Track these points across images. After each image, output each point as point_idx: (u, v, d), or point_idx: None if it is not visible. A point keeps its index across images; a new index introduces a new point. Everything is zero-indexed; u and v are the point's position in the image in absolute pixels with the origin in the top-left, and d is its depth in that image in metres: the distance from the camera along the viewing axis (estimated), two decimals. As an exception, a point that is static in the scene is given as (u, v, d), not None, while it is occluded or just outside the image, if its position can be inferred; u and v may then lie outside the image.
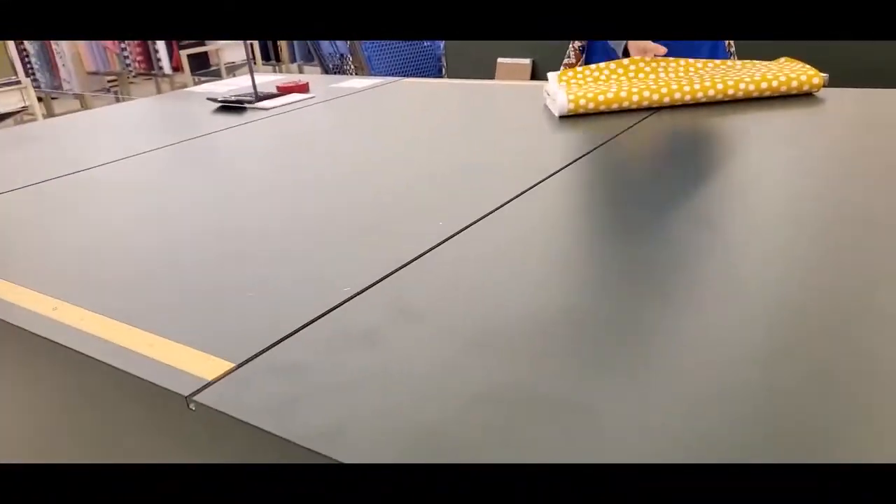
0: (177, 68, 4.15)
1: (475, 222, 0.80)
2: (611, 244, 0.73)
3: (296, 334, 0.59)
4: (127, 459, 0.63)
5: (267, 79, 1.97)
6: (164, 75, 4.32)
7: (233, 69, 4.49)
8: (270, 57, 4.82)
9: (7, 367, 0.72)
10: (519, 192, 0.88)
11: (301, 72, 5.12)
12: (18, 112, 3.41)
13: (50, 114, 3.86)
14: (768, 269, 0.64)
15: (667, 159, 1.02)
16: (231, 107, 1.62)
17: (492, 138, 1.19)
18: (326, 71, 3.27)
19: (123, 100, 4.63)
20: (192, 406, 0.51)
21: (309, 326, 0.60)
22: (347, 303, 0.63)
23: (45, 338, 0.62)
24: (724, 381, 0.48)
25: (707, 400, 0.47)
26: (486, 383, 0.50)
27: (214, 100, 1.66)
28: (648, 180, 0.92)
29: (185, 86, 4.07)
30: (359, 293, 0.65)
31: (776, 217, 0.76)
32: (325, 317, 0.61)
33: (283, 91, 1.73)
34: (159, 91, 4.68)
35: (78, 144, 1.39)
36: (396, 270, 0.69)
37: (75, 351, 0.59)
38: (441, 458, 0.43)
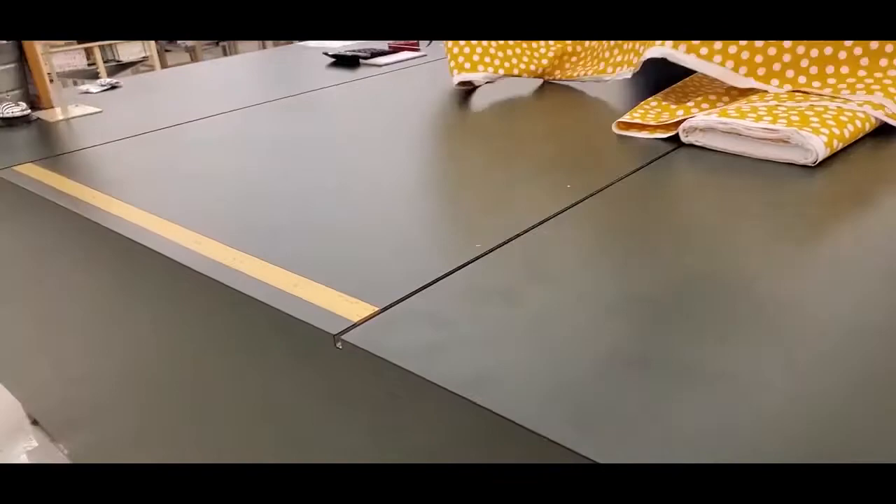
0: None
1: (604, 188, 0.78)
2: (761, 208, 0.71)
3: (434, 285, 0.60)
4: (269, 393, 0.67)
5: (378, 36, 1.98)
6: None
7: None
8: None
9: (154, 296, 0.77)
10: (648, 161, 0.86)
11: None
12: (138, 62, 3.59)
13: (163, 65, 4.04)
14: None
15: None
16: (344, 62, 1.64)
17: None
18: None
19: (230, 53, 4.79)
20: (339, 345, 0.53)
21: (446, 279, 0.61)
22: (480, 259, 0.64)
23: (190, 268, 0.66)
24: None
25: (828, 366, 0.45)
26: (623, 347, 0.50)
27: (327, 54, 1.69)
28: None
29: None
30: (490, 250, 0.65)
31: None
32: (460, 271, 0.62)
33: (394, 49, 1.75)
34: (264, 45, 4.81)
35: (202, 93, 1.45)
36: (525, 231, 0.69)
37: (219, 283, 0.63)
38: (580, 413, 0.43)
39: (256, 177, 0.91)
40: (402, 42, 1.76)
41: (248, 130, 1.13)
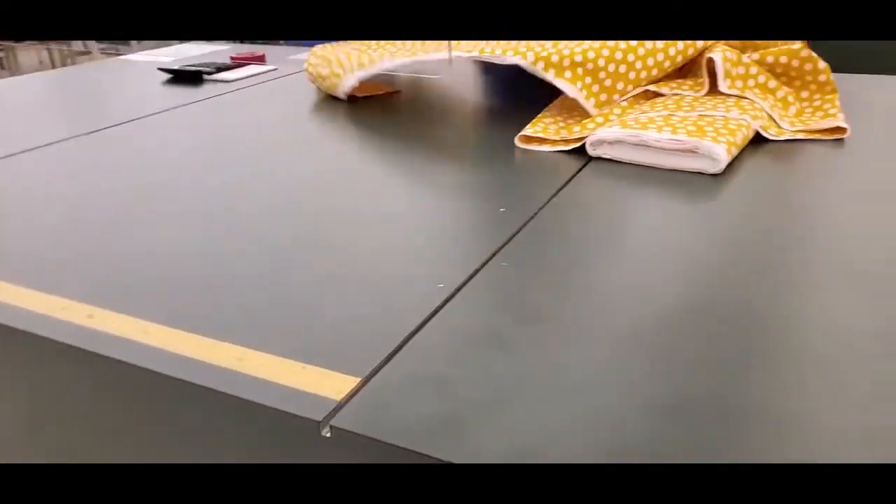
0: (79, 35, 3.75)
1: (540, 210, 0.75)
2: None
3: (412, 340, 0.52)
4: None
5: (215, 48, 1.81)
6: (63, 42, 3.90)
7: (144, 38, 4.10)
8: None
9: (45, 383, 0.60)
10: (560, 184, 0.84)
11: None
12: None
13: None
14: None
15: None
16: (184, 79, 1.46)
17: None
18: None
19: (9, 69, 4.18)
20: (326, 432, 0.43)
21: (422, 330, 0.53)
22: (450, 302, 0.57)
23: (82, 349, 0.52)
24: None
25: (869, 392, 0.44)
26: (659, 389, 0.45)
27: (167, 70, 1.50)
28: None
29: (88, 53, 3.71)
30: (457, 290, 0.58)
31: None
32: (434, 319, 0.54)
33: (238, 62, 1.59)
34: (51, 59, 4.24)
35: (5, 120, 1.21)
36: (484, 265, 0.63)
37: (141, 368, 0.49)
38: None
39: (123, 226, 0.75)
40: (245, 54, 1.61)
41: (89, 167, 0.95)
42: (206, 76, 1.45)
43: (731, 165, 0.86)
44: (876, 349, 0.49)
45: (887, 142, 0.93)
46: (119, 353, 0.51)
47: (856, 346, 0.49)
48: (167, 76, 1.48)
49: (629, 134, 0.87)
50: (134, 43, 3.84)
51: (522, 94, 1.19)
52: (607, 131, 0.89)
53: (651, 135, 0.86)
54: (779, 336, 0.52)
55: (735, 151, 0.87)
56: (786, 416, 0.43)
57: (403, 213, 0.75)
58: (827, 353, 0.49)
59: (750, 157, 0.90)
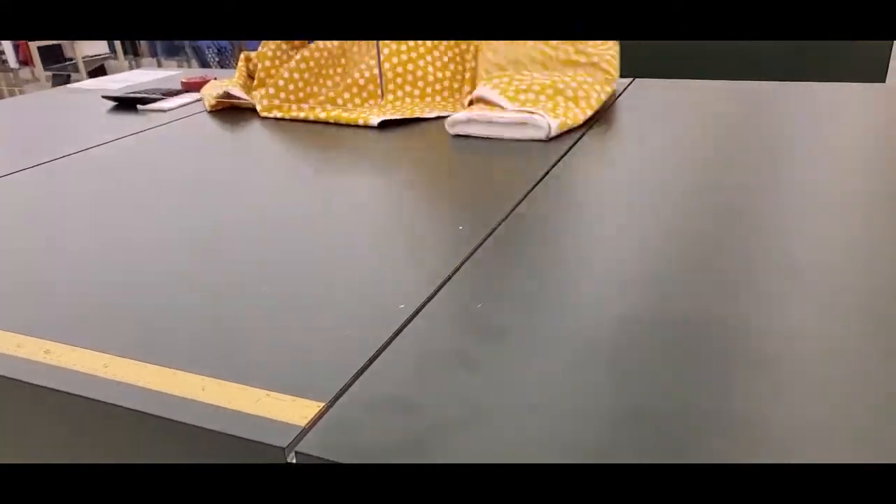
0: (25, 62, 3.67)
1: (489, 233, 0.76)
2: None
3: (376, 361, 0.52)
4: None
5: (168, 73, 1.79)
6: (9, 69, 3.80)
7: (93, 63, 4.04)
8: (128, 51, 4.40)
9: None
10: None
11: (160, 66, 4.75)
12: None
13: None
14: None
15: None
16: (130, 106, 1.44)
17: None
18: (205, 65, 3.05)
19: (-49, 98, 4.04)
20: (291, 459, 0.43)
21: (386, 351, 0.53)
22: (412, 322, 0.57)
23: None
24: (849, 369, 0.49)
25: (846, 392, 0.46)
26: (622, 400, 0.47)
27: (111, 98, 1.48)
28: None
29: (35, 81, 3.63)
30: (418, 310, 0.59)
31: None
32: (397, 339, 0.55)
33: (189, 87, 1.58)
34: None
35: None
36: (445, 283, 0.64)
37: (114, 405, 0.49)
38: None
39: (75, 258, 0.74)
40: (197, 79, 1.60)
41: (34, 200, 0.93)
42: (140, 105, 1.42)
43: (678, 175, 0.89)
44: (822, 349, 0.51)
45: (847, 142, 0.97)
46: (79, 388, 0.50)
47: (804, 347, 0.52)
48: (112, 104, 1.46)
49: (477, 114, 1.06)
50: (83, 69, 3.77)
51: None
52: (459, 114, 1.08)
53: (495, 114, 1.05)
54: (730, 340, 0.53)
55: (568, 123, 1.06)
56: (743, 418, 0.44)
57: (361, 235, 0.76)
58: (778, 356, 0.51)
59: (677, 171, 0.93)
